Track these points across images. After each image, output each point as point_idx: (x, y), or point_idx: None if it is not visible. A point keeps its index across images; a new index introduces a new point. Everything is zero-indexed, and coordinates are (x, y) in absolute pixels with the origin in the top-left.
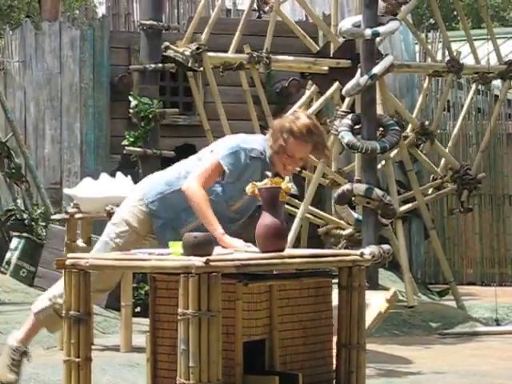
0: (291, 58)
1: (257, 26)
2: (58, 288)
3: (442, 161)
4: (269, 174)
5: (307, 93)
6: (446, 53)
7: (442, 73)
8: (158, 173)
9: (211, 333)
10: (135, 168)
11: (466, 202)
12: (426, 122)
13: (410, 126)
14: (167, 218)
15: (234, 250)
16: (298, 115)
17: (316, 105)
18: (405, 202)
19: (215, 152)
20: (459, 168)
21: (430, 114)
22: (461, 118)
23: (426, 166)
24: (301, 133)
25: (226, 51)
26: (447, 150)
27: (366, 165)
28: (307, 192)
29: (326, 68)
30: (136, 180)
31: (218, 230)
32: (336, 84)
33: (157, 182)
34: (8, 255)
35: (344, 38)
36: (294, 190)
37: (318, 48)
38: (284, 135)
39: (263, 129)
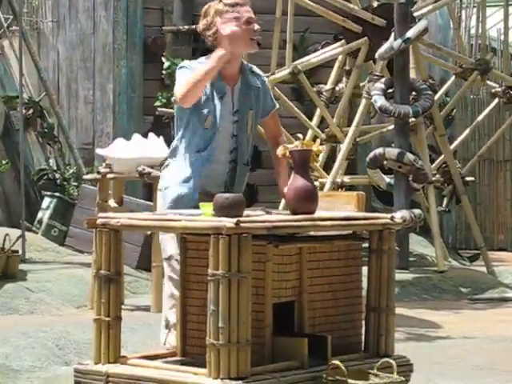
0: None
1: None
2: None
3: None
4: (300, 136)
5: (340, 56)
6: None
7: (468, 71)
8: None
9: (241, 294)
10: (167, 129)
11: (448, 199)
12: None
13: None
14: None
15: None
16: (212, 3)
17: (353, 75)
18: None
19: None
20: None
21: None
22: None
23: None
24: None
25: None
26: (468, 129)
27: (399, 129)
28: (339, 155)
29: (360, 28)
30: (168, 141)
31: (208, 60)
32: (363, 39)
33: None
34: (40, 214)
35: (378, 1)
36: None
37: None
38: (228, 13)
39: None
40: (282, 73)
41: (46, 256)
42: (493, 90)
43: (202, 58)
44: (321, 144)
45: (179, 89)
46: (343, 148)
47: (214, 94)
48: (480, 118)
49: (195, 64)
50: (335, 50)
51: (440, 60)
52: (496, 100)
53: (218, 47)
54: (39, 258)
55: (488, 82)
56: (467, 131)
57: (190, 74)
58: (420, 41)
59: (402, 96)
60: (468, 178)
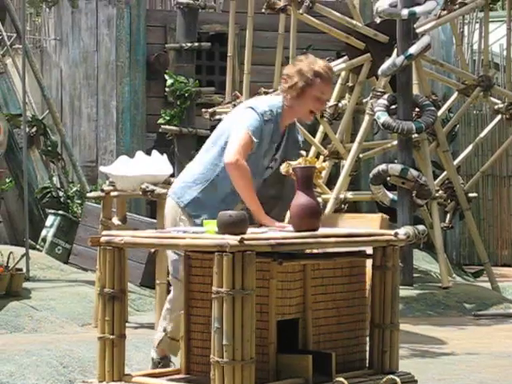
0: (334, 12)
1: None
2: (166, 319)
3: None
4: (303, 153)
5: (342, 73)
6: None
7: (470, 87)
8: (186, 170)
9: (245, 311)
10: (171, 146)
11: (451, 215)
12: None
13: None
14: (207, 215)
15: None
16: (310, 57)
17: (356, 91)
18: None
19: (239, 123)
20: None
21: None
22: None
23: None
24: (327, 73)
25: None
26: (471, 146)
27: (402, 145)
28: (342, 171)
29: (363, 44)
30: (172, 158)
31: (261, 209)
32: (366, 56)
33: (187, 182)
34: (44, 232)
35: (380, 17)
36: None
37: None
38: (309, 77)
39: None
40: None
41: (50, 274)
42: (496, 107)
43: (278, 101)
44: (324, 161)
45: (239, 151)
46: (346, 164)
47: (271, 142)
48: (483, 134)
49: (268, 109)
50: (338, 66)
51: (442, 76)
52: (499, 116)
53: (286, 100)
54: (43, 276)
55: (491, 98)
56: (470, 147)
57: (258, 125)
58: (423, 57)
59: (405, 112)
60: (471, 194)
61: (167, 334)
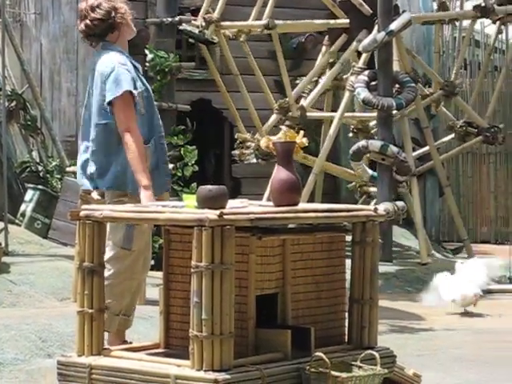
0: None
1: None
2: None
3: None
4: (284, 128)
5: (323, 49)
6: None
7: (434, 92)
8: None
9: (224, 285)
10: None
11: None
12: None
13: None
14: None
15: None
16: None
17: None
18: (419, 159)
19: (115, 84)
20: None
21: (447, 72)
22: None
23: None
24: None
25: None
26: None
27: (382, 121)
28: (322, 147)
29: (345, 16)
30: None
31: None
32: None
33: None
34: (23, 207)
35: None
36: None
37: None
38: (122, 10)
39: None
40: (258, 22)
41: (29, 249)
42: (450, 123)
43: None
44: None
45: (131, 121)
46: (327, 140)
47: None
48: (440, 141)
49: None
50: (316, 21)
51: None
52: (452, 135)
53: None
54: (22, 250)
55: (447, 112)
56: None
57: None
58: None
59: (386, 88)
60: (401, 190)
61: (109, 310)
